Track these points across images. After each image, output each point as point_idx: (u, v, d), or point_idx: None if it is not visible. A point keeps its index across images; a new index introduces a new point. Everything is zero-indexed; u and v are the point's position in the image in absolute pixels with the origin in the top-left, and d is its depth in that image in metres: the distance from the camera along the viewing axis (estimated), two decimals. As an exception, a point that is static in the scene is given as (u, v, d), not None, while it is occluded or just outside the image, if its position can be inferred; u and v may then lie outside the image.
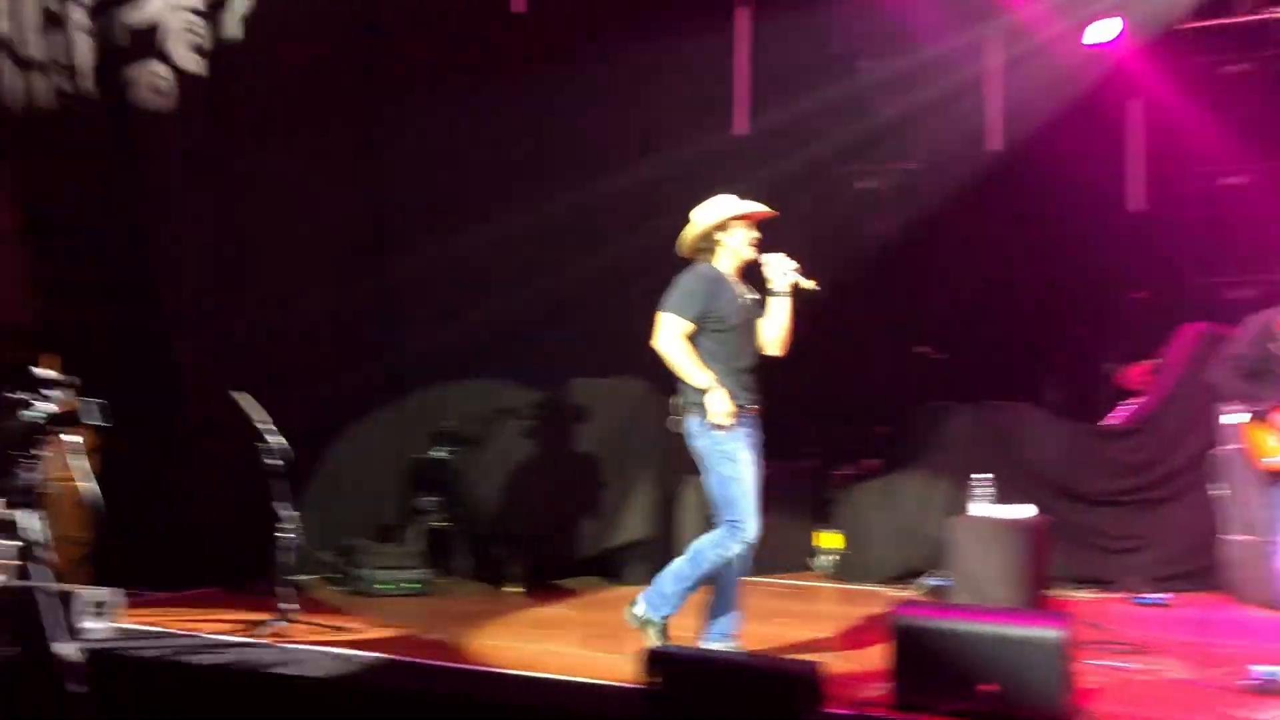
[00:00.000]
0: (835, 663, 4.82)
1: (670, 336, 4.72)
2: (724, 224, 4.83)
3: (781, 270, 4.83)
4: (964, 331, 9.16)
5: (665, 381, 7.76)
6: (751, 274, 4.97)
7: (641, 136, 8.98)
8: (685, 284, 4.80)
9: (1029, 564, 5.92)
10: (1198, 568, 7.26)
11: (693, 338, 4.73)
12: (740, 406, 4.73)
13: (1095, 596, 7.10)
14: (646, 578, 7.11)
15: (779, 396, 8.15)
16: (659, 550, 7.38)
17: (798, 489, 7.94)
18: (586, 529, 7.22)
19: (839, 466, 8.23)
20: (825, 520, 7.93)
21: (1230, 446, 6.92)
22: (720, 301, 4.77)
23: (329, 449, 7.29)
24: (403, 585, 6.64)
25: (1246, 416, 5.33)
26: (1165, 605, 6.83)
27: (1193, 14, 9.12)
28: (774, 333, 4.92)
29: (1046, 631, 4.03)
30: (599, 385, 7.53)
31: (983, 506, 6.09)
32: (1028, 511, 6.08)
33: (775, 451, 8.32)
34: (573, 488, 7.25)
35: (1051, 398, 8.62)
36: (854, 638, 5.60)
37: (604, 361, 7.54)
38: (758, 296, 4.92)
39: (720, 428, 4.65)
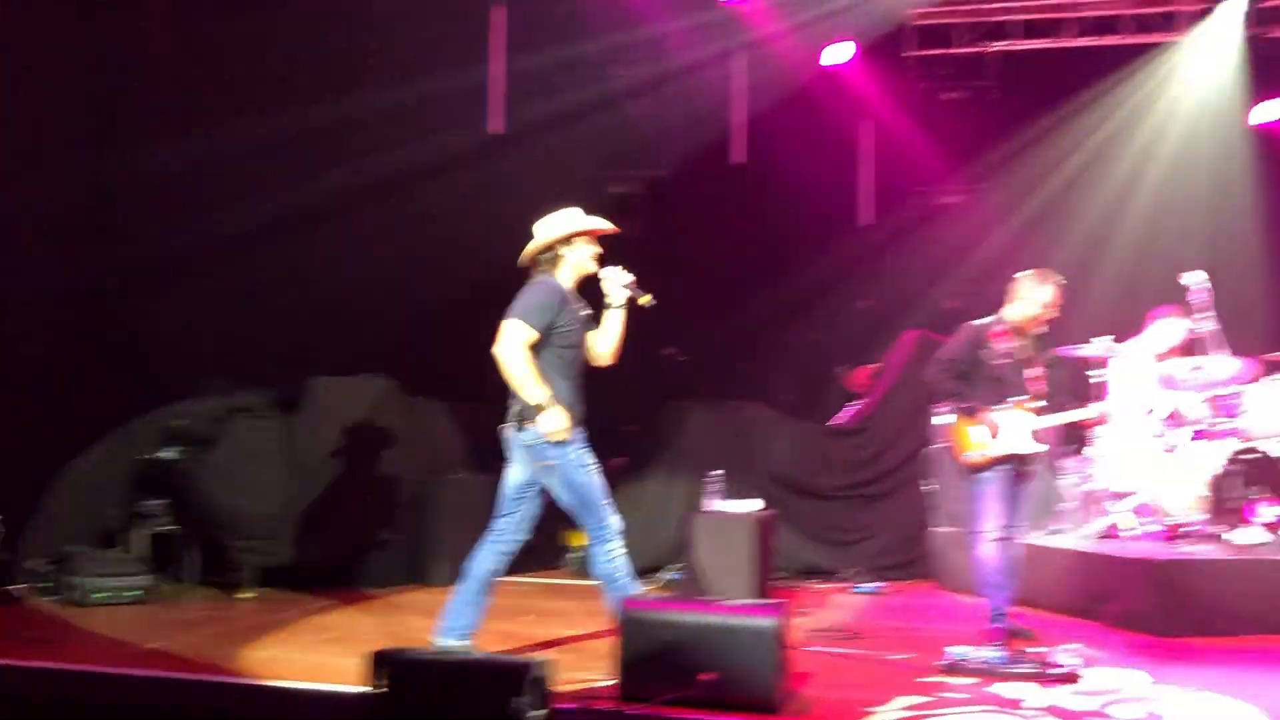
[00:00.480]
0: (570, 658, 4.92)
1: (515, 346, 4.72)
2: (568, 238, 4.89)
3: (618, 284, 4.91)
4: (706, 334, 9.49)
5: (410, 379, 7.73)
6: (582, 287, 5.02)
7: (394, 132, 8.81)
8: (535, 295, 4.82)
9: (757, 556, 6.22)
10: (911, 558, 7.84)
11: (535, 349, 4.75)
12: (575, 416, 4.84)
13: (820, 586, 7.53)
14: (386, 580, 7.06)
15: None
16: (400, 553, 7.29)
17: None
18: (324, 531, 7.01)
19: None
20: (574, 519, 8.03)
21: (940, 444, 7.51)
22: (565, 315, 4.83)
23: (53, 453, 6.81)
24: (123, 594, 6.26)
25: (954, 416, 5.78)
26: (880, 593, 7.32)
27: (916, 43, 9.88)
28: (607, 345, 5.02)
29: (762, 621, 4.25)
30: (339, 383, 7.35)
31: (716, 502, 6.34)
32: (756, 506, 6.39)
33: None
34: (309, 489, 7.04)
35: (785, 398, 9.06)
36: (592, 633, 5.71)
37: (346, 360, 7.38)
38: (591, 311, 5.00)
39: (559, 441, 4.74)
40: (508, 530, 4.95)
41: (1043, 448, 5.60)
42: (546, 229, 4.91)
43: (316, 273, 7.87)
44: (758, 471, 7.80)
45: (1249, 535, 6.51)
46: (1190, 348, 7.23)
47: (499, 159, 8.72)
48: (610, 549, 4.83)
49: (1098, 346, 6.95)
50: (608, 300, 4.96)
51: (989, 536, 5.54)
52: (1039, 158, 9.45)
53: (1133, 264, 8.79)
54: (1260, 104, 9.23)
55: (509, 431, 4.86)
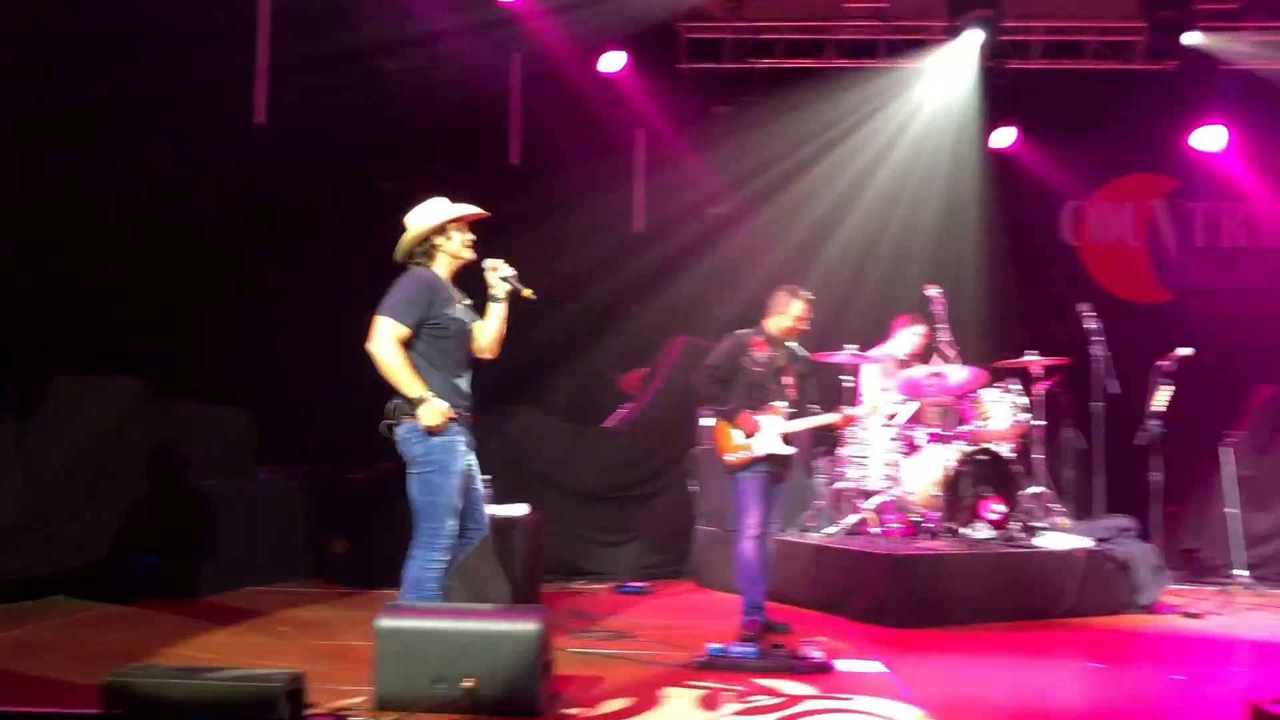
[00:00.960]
0: (329, 669, 4.79)
1: (387, 341, 4.60)
2: (442, 228, 4.78)
3: (500, 276, 4.85)
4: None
5: (161, 382, 7.31)
6: (464, 279, 4.88)
7: (153, 120, 8.30)
8: (405, 288, 4.70)
9: (522, 560, 6.25)
10: (677, 557, 8.07)
11: (411, 343, 4.63)
12: (457, 413, 4.69)
13: (588, 587, 7.64)
14: (139, 593, 6.64)
15: (290, 399, 8.01)
16: (153, 564, 6.89)
17: (310, 494, 7.80)
18: (63, 542, 6.54)
19: (351, 471, 8.14)
20: (337, 525, 7.82)
21: (704, 446, 7.76)
22: (439, 307, 4.69)
23: None
24: None
25: (715, 419, 6.02)
26: (646, 593, 7.50)
27: (687, 56, 10.16)
28: (489, 337, 4.90)
29: (523, 625, 4.28)
30: (83, 384, 6.86)
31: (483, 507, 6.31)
32: (522, 510, 6.41)
33: (289, 456, 8.19)
34: (49, 496, 6.54)
35: (558, 402, 9.13)
36: (350, 643, 5.58)
37: (89, 359, 6.92)
38: (471, 301, 4.87)
39: (435, 435, 4.58)
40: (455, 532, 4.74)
41: (795, 449, 5.92)
42: (418, 220, 4.80)
43: (62, 268, 7.32)
44: (528, 474, 7.84)
45: (980, 531, 7.05)
46: (930, 355, 7.78)
47: (262, 149, 8.34)
48: (434, 559, 4.63)
49: (847, 354, 7.36)
50: (491, 292, 4.86)
51: (748, 534, 5.80)
52: (802, 173, 9.90)
53: (888, 275, 9.36)
54: (996, 129, 10.02)
55: (383, 430, 4.72)
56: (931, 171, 9.83)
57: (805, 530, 7.47)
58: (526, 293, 4.86)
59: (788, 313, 5.87)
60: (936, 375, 7.36)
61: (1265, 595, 7.46)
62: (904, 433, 7.50)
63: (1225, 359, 9.52)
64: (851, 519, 7.33)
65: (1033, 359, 7.52)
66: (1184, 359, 7.50)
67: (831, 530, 7.37)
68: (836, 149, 9.94)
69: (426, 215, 4.82)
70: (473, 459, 4.82)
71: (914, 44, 9.83)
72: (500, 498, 6.44)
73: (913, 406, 7.58)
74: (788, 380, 5.92)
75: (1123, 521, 7.35)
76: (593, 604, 6.95)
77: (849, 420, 6.47)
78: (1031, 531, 7.06)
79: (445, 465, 4.63)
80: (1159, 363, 7.56)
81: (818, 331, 6.24)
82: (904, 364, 7.89)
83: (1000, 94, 9.78)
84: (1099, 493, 7.91)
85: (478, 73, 9.29)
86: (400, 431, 4.66)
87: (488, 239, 9.73)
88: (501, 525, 6.21)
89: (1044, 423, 7.50)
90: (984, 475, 7.18)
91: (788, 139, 9.85)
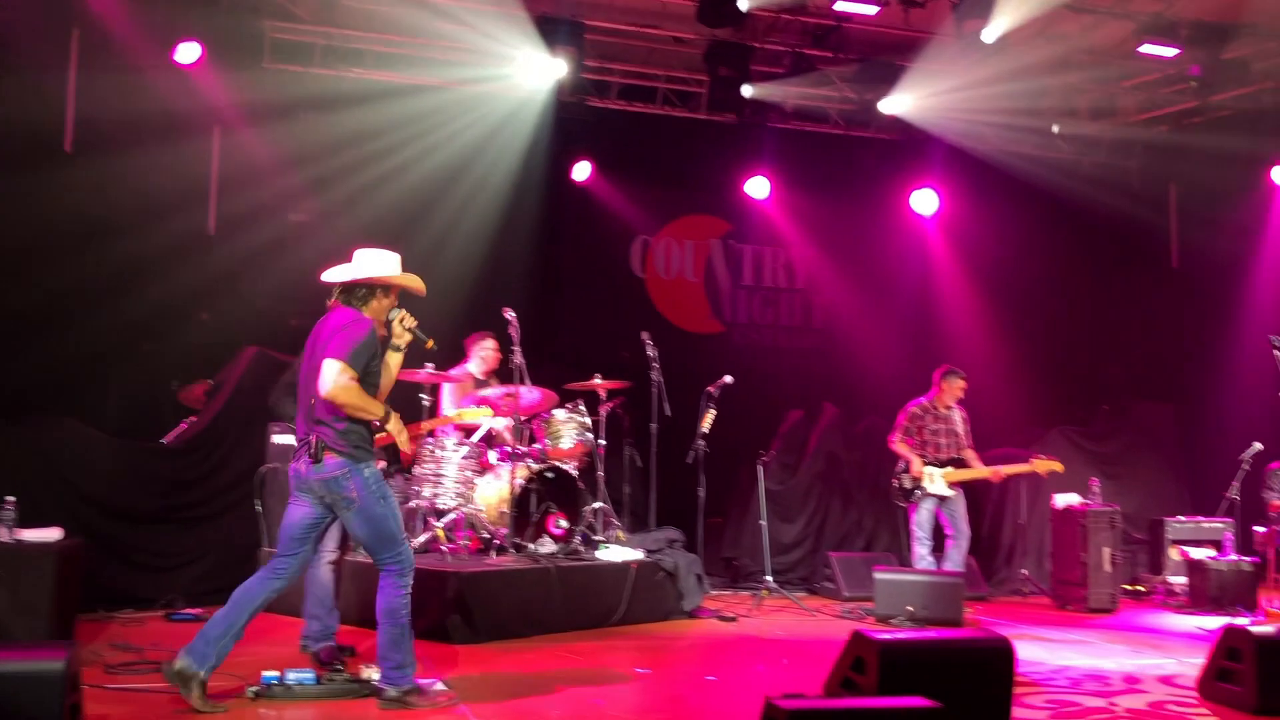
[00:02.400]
0: None
1: (343, 386, 4.76)
2: (389, 286, 5.04)
3: (406, 327, 5.10)
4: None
5: None
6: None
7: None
8: (358, 336, 4.86)
9: (52, 590, 5.65)
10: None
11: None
12: (371, 450, 4.98)
13: (136, 616, 7.06)
14: None
15: None
16: None
17: None
18: None
19: None
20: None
21: (275, 464, 7.47)
22: (373, 362, 4.94)
23: None
24: None
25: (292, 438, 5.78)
26: (201, 620, 7.04)
27: (273, 57, 9.76)
28: (387, 383, 5.13)
29: (45, 665, 3.89)
30: None
31: (4, 532, 5.66)
32: (54, 535, 5.83)
33: None
34: None
35: (109, 414, 8.40)
36: None
37: None
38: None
39: (369, 467, 4.88)
40: (287, 570, 4.99)
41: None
42: (373, 267, 5.00)
43: None
44: (68, 494, 7.14)
45: (546, 546, 7.36)
46: (503, 376, 8.03)
47: None
48: (405, 583, 4.91)
49: (426, 372, 7.41)
50: (395, 341, 5.12)
51: (324, 558, 5.68)
52: (385, 186, 9.83)
53: (469, 295, 9.48)
54: (575, 162, 10.55)
55: (301, 468, 4.90)
56: (512, 197, 10.12)
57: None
58: (429, 344, 5.18)
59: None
60: (510, 395, 7.60)
61: (789, 598, 8.41)
62: (478, 450, 7.66)
63: (764, 386, 10.66)
64: (422, 538, 7.37)
65: (599, 382, 7.98)
66: (726, 386, 8.29)
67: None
68: (418, 165, 9.97)
69: (383, 267, 5.03)
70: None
71: (501, 69, 10.10)
72: (30, 519, 5.83)
73: (488, 424, 7.75)
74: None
75: (671, 533, 7.99)
76: (139, 634, 6.44)
77: (416, 431, 6.45)
78: (592, 545, 7.48)
79: (384, 493, 4.93)
80: (708, 389, 8.31)
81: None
82: (480, 383, 8.08)
83: (578, 129, 10.31)
84: (653, 507, 8.53)
85: (32, 42, 8.37)
86: (329, 469, 4.84)
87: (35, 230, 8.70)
88: (29, 551, 5.62)
89: (605, 442, 7.98)
90: (551, 492, 7.51)
91: (369, 150, 9.75)
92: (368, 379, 4.89)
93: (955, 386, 8.55)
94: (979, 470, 8.43)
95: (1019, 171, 11.79)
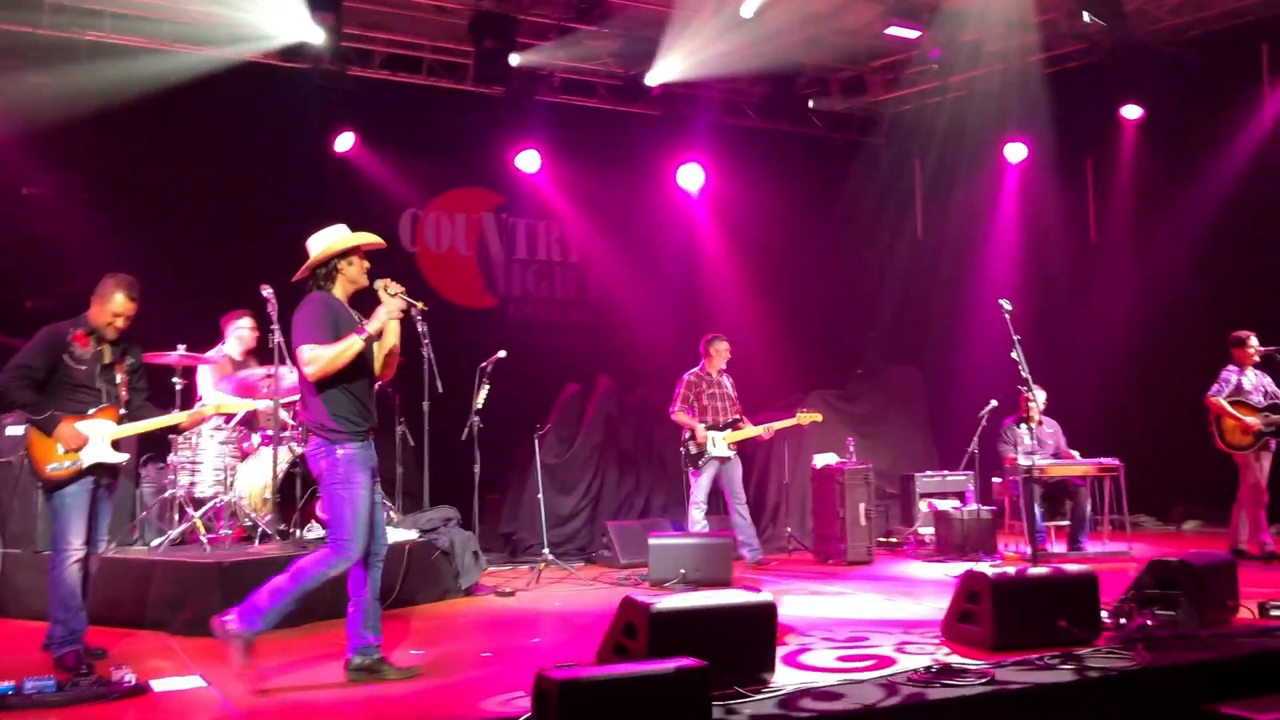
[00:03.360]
0: None
1: (316, 359, 4.85)
2: (345, 252, 5.04)
3: (391, 293, 5.03)
4: None
5: None
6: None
7: None
8: (311, 315, 4.93)
9: None
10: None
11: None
12: (359, 434, 4.98)
13: None
14: None
15: None
16: None
17: None
18: None
19: None
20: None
21: (8, 458, 6.92)
22: (344, 327, 4.92)
23: None
24: None
25: (29, 427, 5.33)
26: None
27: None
28: (387, 354, 5.16)
29: None
30: None
31: None
32: None
33: None
34: None
35: None
36: None
37: None
38: (364, 319, 5.01)
39: (343, 449, 4.90)
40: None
41: (125, 457, 5.48)
42: (320, 244, 5.05)
43: None
44: None
45: (314, 531, 7.14)
46: (262, 356, 7.71)
47: None
48: (331, 565, 4.90)
49: (178, 354, 7.02)
50: (386, 309, 5.02)
51: (71, 557, 5.27)
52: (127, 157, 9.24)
53: (225, 273, 9.01)
54: (338, 133, 10.21)
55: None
56: (270, 168, 9.69)
57: (129, 544, 6.99)
58: (419, 306, 5.18)
59: (109, 303, 5.38)
60: (270, 376, 7.30)
61: (565, 570, 8.50)
62: (238, 435, 7.33)
63: (540, 360, 10.69)
64: (179, 528, 7.00)
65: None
66: (501, 360, 8.25)
67: (158, 542, 6.98)
68: (169, 136, 9.43)
69: (330, 240, 5.05)
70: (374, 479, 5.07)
71: (257, 38, 9.63)
72: None
73: (248, 407, 7.43)
74: (119, 378, 5.46)
75: (447, 512, 7.90)
76: None
77: (196, 420, 6.08)
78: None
79: (348, 477, 4.91)
80: (481, 364, 8.25)
81: (146, 331, 5.82)
82: (239, 364, 7.72)
83: (341, 99, 9.97)
84: (427, 486, 8.41)
85: None
86: (309, 447, 5.00)
87: None
88: None
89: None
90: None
91: (117, 119, 9.11)
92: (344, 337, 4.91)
93: (721, 350, 8.87)
94: (751, 430, 8.78)
95: (777, 148, 12.28)
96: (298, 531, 7.10)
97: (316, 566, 4.90)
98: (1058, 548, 9.15)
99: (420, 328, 8.10)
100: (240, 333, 7.72)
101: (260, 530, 7.09)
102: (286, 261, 9.24)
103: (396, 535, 7.31)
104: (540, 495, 8.62)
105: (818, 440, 9.62)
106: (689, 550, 7.74)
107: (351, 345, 4.87)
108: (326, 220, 5.20)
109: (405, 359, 8.08)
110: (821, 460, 9.46)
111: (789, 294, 12.30)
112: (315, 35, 9.31)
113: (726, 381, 8.90)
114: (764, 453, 10.25)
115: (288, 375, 7.28)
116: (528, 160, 11.28)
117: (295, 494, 7.27)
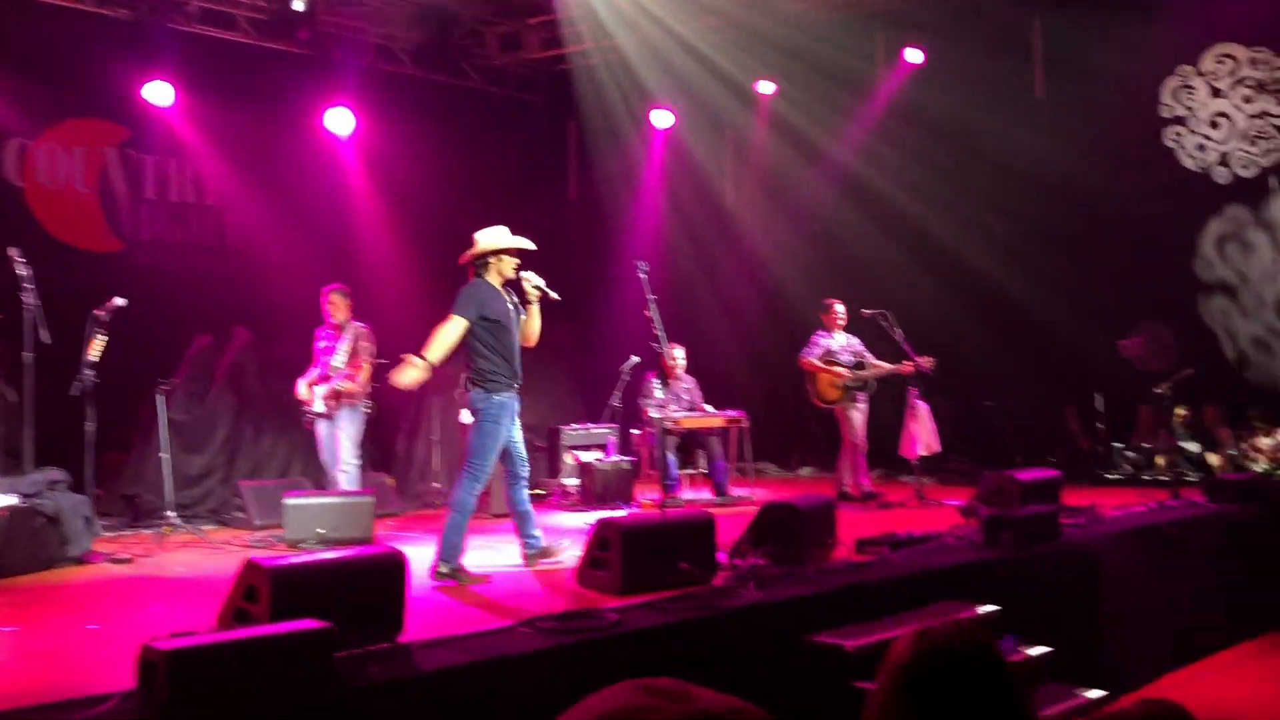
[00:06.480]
0: None
1: (446, 328, 6.22)
2: (500, 252, 6.39)
3: (533, 285, 6.43)
4: None
5: None
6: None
7: None
8: (467, 294, 6.34)
9: None
10: None
11: (474, 332, 6.27)
12: (509, 385, 6.32)
13: None
14: None
15: None
16: None
17: None
18: None
19: None
20: None
21: None
22: (492, 307, 6.30)
23: None
24: None
25: None
26: None
27: None
28: (530, 329, 6.54)
29: None
30: None
31: None
32: None
33: None
34: None
35: None
36: None
37: None
38: (517, 301, 6.45)
39: (491, 395, 6.29)
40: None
41: None
42: (486, 239, 6.42)
43: None
44: None
45: None
46: None
47: None
48: (474, 489, 6.30)
49: None
50: (528, 297, 6.44)
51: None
52: None
53: None
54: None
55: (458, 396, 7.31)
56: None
57: None
58: (554, 296, 6.46)
59: None
60: None
61: (194, 533, 8.01)
62: None
63: (172, 309, 9.96)
64: None
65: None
66: (119, 309, 7.59)
67: None
68: None
69: (493, 239, 6.41)
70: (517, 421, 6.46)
71: None
72: None
73: None
74: None
75: (53, 475, 7.20)
76: None
77: None
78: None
79: (495, 418, 6.25)
80: (95, 312, 7.55)
81: None
82: None
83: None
84: (30, 446, 7.60)
85: None
86: (471, 394, 6.33)
87: None
88: None
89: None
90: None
91: None
92: (488, 323, 6.25)
93: (341, 305, 8.65)
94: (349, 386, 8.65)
95: (433, 98, 12.07)
96: None
97: (467, 494, 6.26)
98: (702, 495, 9.70)
99: (22, 271, 7.37)
100: None
101: None
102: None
103: (-7, 501, 6.60)
104: (164, 454, 8.04)
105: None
106: (326, 509, 7.52)
107: (429, 355, 6.22)
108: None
109: (4, 313, 7.35)
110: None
111: (440, 247, 12.16)
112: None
113: (349, 335, 8.70)
114: (414, 409, 10.11)
115: None
116: (158, 92, 10.36)
117: None
